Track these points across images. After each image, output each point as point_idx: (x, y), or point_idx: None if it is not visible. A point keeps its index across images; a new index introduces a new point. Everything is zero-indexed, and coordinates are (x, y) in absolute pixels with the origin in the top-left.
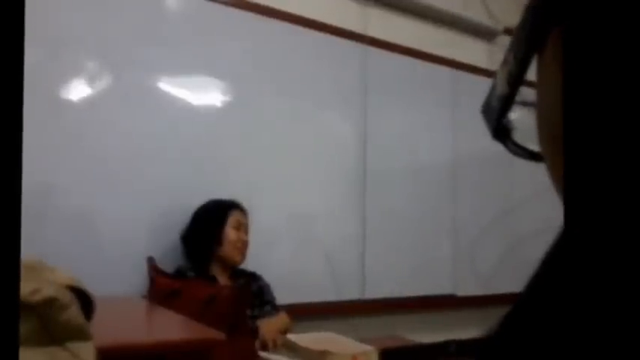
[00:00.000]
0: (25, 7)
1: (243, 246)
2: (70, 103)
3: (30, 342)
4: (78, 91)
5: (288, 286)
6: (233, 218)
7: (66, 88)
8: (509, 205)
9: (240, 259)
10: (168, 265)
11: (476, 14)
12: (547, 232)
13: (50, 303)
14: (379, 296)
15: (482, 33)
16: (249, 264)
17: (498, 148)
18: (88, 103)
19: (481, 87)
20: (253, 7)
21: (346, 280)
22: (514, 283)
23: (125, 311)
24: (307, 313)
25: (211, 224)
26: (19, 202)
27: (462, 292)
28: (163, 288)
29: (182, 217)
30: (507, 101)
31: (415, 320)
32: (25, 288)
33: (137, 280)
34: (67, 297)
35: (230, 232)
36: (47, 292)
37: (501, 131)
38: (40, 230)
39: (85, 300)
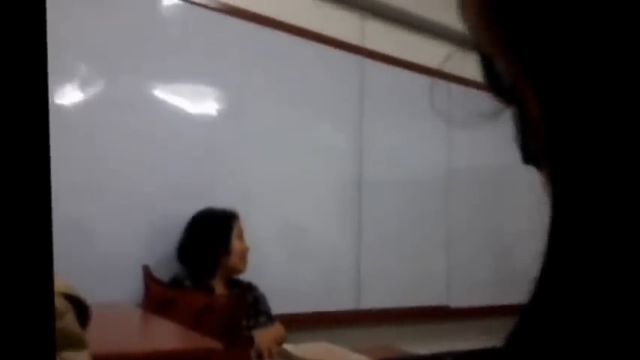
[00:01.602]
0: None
1: (246, 255)
2: (64, 109)
3: None
4: (73, 97)
5: (283, 296)
6: (237, 228)
7: (61, 94)
8: (502, 216)
9: (245, 267)
10: (164, 273)
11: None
12: (540, 244)
13: None
14: (374, 307)
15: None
16: (245, 274)
17: (492, 160)
18: (83, 109)
19: (476, 100)
20: (252, 16)
21: (341, 290)
22: (507, 294)
23: (120, 319)
24: (302, 323)
25: (219, 235)
26: (49, 213)
27: (455, 303)
28: (158, 297)
29: (178, 225)
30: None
31: (409, 331)
32: None
33: (132, 288)
34: (62, 305)
35: (236, 242)
36: None
37: None
38: None
39: (80, 308)
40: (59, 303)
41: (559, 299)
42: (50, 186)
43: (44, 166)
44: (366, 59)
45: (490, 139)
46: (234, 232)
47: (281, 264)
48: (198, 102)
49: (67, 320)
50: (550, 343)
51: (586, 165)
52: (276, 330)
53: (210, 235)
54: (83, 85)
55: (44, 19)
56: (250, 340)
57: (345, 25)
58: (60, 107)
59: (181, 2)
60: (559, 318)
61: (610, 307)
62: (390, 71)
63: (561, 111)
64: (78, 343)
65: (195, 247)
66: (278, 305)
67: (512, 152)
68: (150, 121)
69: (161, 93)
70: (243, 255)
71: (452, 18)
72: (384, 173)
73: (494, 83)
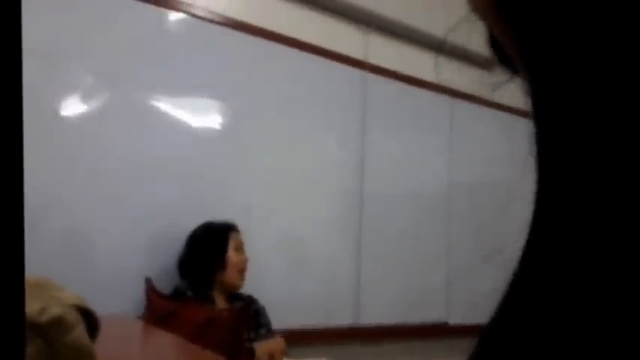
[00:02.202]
0: (25, 22)
1: (245, 267)
2: (68, 121)
3: None
4: (76, 108)
5: (282, 310)
6: (233, 241)
7: (64, 106)
8: (503, 232)
9: (242, 283)
10: (165, 285)
11: (475, 43)
12: None
13: (57, 323)
14: (373, 322)
15: (480, 62)
16: (245, 286)
17: (493, 175)
18: (87, 121)
19: (478, 115)
20: (256, 30)
21: (340, 305)
22: None
23: (122, 332)
24: (301, 339)
25: (214, 249)
26: (21, 218)
27: (454, 320)
28: (159, 309)
29: (179, 239)
30: None
31: (407, 348)
32: (32, 307)
33: (134, 300)
34: (73, 317)
35: (232, 256)
36: (55, 311)
37: None
38: (36, 248)
39: (89, 320)
40: (71, 315)
41: (539, 280)
42: (23, 193)
43: (17, 171)
44: (369, 73)
45: (493, 152)
46: (231, 244)
47: (281, 277)
48: (200, 114)
49: (78, 332)
50: (529, 326)
51: (570, 136)
52: (277, 342)
53: (207, 248)
54: (85, 98)
55: (19, 27)
56: (251, 353)
57: (348, 39)
58: (62, 119)
59: (186, 16)
60: (539, 300)
61: (588, 292)
62: (393, 85)
63: (545, 78)
64: (87, 356)
65: (194, 261)
66: (277, 319)
67: (514, 165)
68: (153, 133)
69: (165, 106)
70: (241, 267)
71: (455, 33)
72: (385, 187)
73: (499, 53)
